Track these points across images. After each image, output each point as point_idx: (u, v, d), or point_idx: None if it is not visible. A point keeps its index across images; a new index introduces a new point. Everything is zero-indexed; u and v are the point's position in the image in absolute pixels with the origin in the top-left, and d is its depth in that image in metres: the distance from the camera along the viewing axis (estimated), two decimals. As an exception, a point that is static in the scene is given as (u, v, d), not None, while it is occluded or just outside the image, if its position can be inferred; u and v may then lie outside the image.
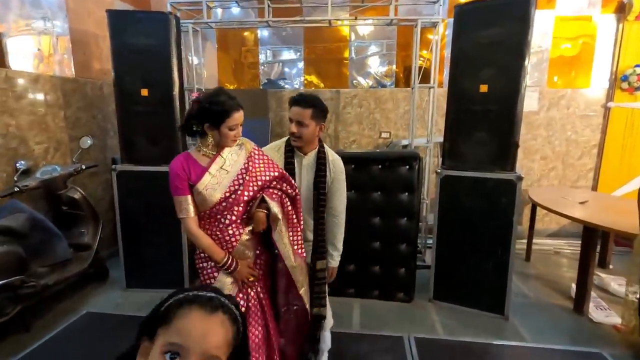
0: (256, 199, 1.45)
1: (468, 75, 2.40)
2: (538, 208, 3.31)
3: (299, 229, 1.55)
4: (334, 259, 1.77)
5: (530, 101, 3.99)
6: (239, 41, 4.78)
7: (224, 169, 1.43)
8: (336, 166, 1.71)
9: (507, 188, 2.37)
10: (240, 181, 1.43)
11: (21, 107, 2.66)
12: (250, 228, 1.47)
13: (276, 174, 1.50)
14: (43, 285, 2.37)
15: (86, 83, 3.21)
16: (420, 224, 3.03)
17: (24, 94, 2.68)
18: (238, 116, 1.39)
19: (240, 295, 1.48)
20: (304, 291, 1.57)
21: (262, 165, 1.49)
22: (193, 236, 1.43)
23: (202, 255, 1.49)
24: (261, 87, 4.73)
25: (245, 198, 1.43)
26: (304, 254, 1.59)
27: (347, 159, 2.05)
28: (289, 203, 1.51)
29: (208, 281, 1.47)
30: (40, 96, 2.81)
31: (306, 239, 1.70)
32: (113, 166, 2.72)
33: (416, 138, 3.52)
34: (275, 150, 1.71)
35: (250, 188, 1.44)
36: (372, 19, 3.84)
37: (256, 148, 1.53)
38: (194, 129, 1.42)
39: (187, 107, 2.48)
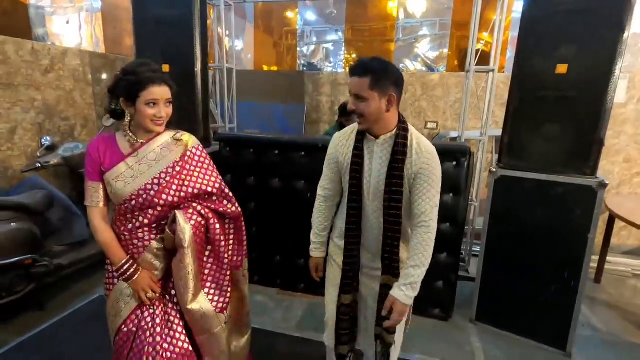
0: (173, 211, 1.20)
1: (541, 52, 1.91)
2: (616, 220, 2.72)
3: (225, 270, 1.28)
4: (401, 289, 1.23)
5: (617, 90, 3.30)
6: (278, 21, 4.51)
7: (146, 162, 1.20)
8: (423, 155, 1.24)
9: (584, 196, 1.88)
10: (161, 182, 1.20)
11: (48, 82, 2.60)
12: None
13: (209, 189, 1.24)
14: (57, 265, 2.31)
15: (116, 59, 3.12)
16: (465, 227, 2.60)
17: (51, 68, 2.61)
18: (158, 91, 1.15)
19: (138, 312, 1.23)
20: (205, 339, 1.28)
21: (197, 171, 1.25)
22: (92, 229, 1.23)
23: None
24: (298, 70, 4.44)
25: (162, 202, 1.20)
26: (222, 306, 1.28)
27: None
28: (217, 231, 1.24)
29: (107, 287, 1.29)
30: (68, 71, 2.74)
31: (370, 255, 1.39)
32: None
33: (468, 130, 3.04)
34: (348, 134, 1.36)
35: (172, 193, 1.21)
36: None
37: (198, 148, 1.28)
38: (113, 107, 1.19)
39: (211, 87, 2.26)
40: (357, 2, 4.13)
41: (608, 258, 2.98)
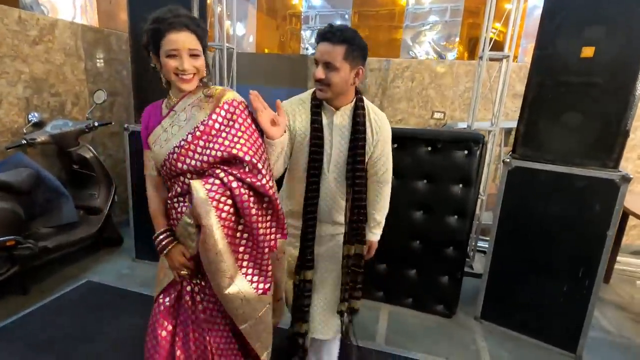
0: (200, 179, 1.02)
1: (566, 33, 1.77)
2: (629, 218, 2.61)
3: (262, 248, 1.05)
4: (374, 232, 1.47)
5: None
6: (282, 3, 4.33)
7: (177, 123, 1.07)
8: (381, 126, 1.34)
9: (605, 190, 1.76)
10: (183, 144, 1.04)
11: (36, 54, 2.45)
12: None
13: (240, 154, 1.00)
14: (42, 248, 2.19)
15: (110, 34, 2.96)
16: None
17: (39, 39, 2.46)
18: (178, 38, 0.98)
19: (171, 289, 1.17)
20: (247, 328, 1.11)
21: (227, 131, 1.03)
22: (148, 196, 1.17)
23: None
24: (302, 54, 4.28)
25: (185, 167, 1.04)
26: (265, 286, 1.09)
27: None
28: (245, 202, 0.99)
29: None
30: (58, 44, 2.58)
31: (335, 222, 1.40)
32: (125, 125, 2.45)
33: (477, 121, 2.90)
34: (298, 104, 1.30)
35: (196, 157, 1.03)
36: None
37: (232, 104, 1.06)
38: (152, 65, 1.06)
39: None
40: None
41: (617, 257, 2.87)
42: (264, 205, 1.05)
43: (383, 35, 4.02)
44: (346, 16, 3.97)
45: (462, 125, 3.60)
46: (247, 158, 1.00)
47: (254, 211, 1.01)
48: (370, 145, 1.31)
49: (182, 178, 1.07)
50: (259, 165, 1.01)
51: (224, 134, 1.03)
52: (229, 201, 0.99)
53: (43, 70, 2.51)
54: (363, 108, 1.28)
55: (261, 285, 1.08)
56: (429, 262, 2.20)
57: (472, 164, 2.03)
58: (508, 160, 1.98)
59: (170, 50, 0.98)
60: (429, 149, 2.08)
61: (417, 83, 3.74)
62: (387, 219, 1.49)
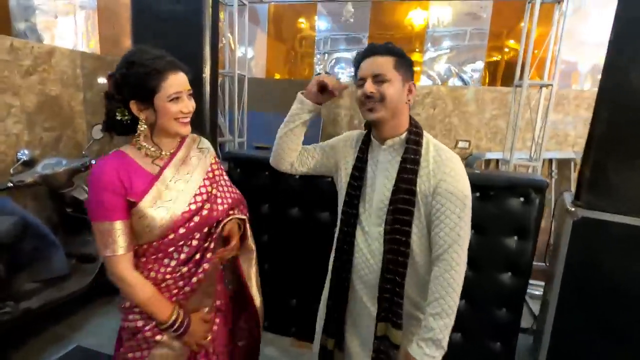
0: (223, 222, 1.05)
1: (643, 63, 1.51)
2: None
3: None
4: (420, 346, 0.94)
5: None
6: (293, 27, 4.16)
7: (182, 177, 0.98)
8: (445, 165, 0.98)
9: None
10: (206, 195, 1.02)
11: (29, 85, 2.21)
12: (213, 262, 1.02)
13: (236, 195, 1.14)
14: (24, 310, 1.88)
15: (113, 61, 2.73)
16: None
17: (33, 69, 2.23)
18: (177, 80, 0.93)
19: None
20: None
21: (224, 176, 1.14)
22: (127, 285, 0.93)
23: (135, 309, 0.98)
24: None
25: (218, 215, 1.04)
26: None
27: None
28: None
29: (140, 352, 0.97)
30: (54, 73, 2.35)
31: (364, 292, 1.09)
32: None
33: (505, 151, 2.63)
34: (350, 144, 1.16)
35: (223, 202, 1.06)
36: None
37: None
38: (119, 118, 0.93)
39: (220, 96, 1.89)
40: (380, 9, 3.78)
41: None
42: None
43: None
44: (364, 40, 3.78)
45: (491, 155, 3.34)
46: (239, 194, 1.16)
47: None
48: (423, 195, 0.97)
49: (197, 234, 0.99)
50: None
51: (225, 179, 1.12)
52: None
53: (36, 102, 2.27)
54: (417, 142, 1.00)
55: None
56: (476, 326, 1.88)
57: (531, 213, 1.73)
58: (572, 209, 1.69)
59: (175, 93, 0.92)
60: (477, 194, 1.79)
61: (440, 110, 3.51)
62: (417, 275, 1.07)
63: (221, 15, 3.12)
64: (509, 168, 2.43)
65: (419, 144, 1.00)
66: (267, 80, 4.18)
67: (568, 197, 1.80)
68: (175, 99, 0.92)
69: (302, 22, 4.17)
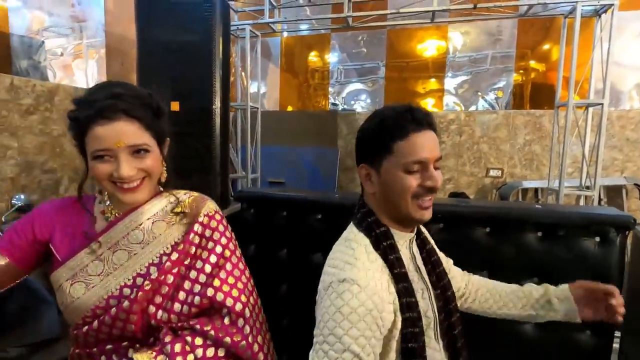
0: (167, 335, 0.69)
1: None
2: None
3: None
4: None
5: None
6: (306, 59, 4.08)
7: (125, 248, 0.72)
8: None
9: None
10: (145, 282, 0.70)
11: (28, 125, 2.07)
12: None
13: (227, 302, 0.72)
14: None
15: (120, 99, 2.62)
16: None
17: (34, 108, 2.09)
18: (108, 132, 0.66)
19: None
20: None
21: (211, 262, 0.75)
22: None
23: None
24: (330, 110, 3.92)
25: (146, 320, 0.71)
26: None
27: (467, 213, 1.17)
28: None
29: None
30: (57, 112, 2.21)
31: None
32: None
33: (541, 179, 2.33)
34: (371, 263, 0.70)
35: (163, 303, 0.71)
36: (495, 5, 2.53)
37: (214, 217, 0.79)
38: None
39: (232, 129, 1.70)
40: (396, 36, 3.66)
41: None
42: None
43: (417, 86, 3.63)
44: (382, 68, 3.63)
45: (529, 184, 3.03)
46: (229, 303, 0.72)
47: None
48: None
49: (117, 346, 0.70)
50: (247, 313, 0.73)
51: (207, 268, 0.73)
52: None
53: (36, 143, 2.11)
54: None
55: None
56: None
57: (611, 256, 1.40)
58: (664, 249, 1.36)
59: (97, 151, 0.66)
60: (539, 234, 1.48)
61: (467, 137, 3.26)
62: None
63: (232, 49, 3.04)
64: (559, 199, 2.12)
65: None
66: (280, 112, 4.05)
67: (650, 233, 1.48)
68: (101, 156, 0.67)
69: (316, 54, 4.09)
